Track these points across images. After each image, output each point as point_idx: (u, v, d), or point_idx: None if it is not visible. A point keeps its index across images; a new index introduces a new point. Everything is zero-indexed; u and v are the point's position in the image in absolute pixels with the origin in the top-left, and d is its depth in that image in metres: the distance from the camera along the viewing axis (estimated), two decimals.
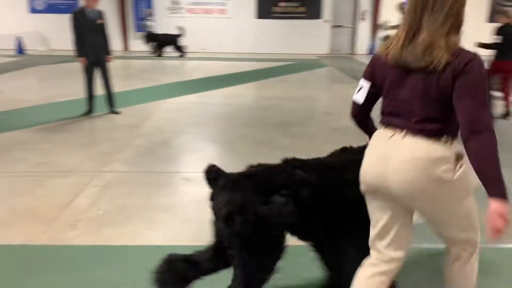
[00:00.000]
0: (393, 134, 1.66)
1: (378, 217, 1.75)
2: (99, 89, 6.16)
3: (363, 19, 16.31)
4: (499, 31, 6.08)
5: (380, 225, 1.74)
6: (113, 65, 6.23)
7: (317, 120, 6.08)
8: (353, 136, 5.12)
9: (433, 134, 1.57)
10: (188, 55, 14.37)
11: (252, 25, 16.29)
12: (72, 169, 4.06)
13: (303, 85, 9.19)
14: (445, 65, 1.51)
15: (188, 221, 3.10)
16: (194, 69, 11.62)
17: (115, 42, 15.80)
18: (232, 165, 4.13)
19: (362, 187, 1.77)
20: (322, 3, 16.16)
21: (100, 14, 5.87)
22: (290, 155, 4.40)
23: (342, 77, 10.49)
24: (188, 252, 2.09)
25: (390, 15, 15.42)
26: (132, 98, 7.41)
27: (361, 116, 1.93)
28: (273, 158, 4.41)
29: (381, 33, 14.59)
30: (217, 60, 13.79)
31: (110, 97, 6.18)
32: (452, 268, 1.78)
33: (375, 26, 16.22)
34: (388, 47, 1.66)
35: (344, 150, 2.23)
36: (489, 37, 6.18)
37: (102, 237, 2.86)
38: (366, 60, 10.48)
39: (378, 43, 15.22)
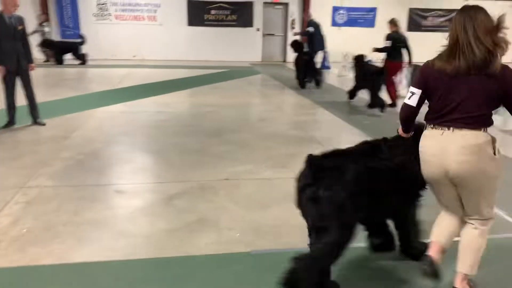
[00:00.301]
0: (443, 132, 2.14)
1: (445, 196, 2.30)
2: (21, 99, 5.78)
3: (292, 28, 16.82)
4: (388, 37, 7.79)
5: (448, 202, 2.31)
6: (37, 74, 5.88)
7: (251, 127, 6.16)
8: (286, 142, 5.29)
9: (477, 126, 2.08)
10: (119, 62, 13.93)
11: (184, 32, 16.15)
12: None
13: (237, 92, 9.26)
14: (500, 70, 2.01)
15: (121, 235, 2.99)
16: (124, 77, 11.28)
17: (38, 50, 15.00)
18: (164, 175, 4.09)
19: (427, 177, 2.27)
20: (253, 12, 16.45)
21: (20, 20, 5.51)
22: (224, 162, 4.46)
23: (274, 84, 10.71)
24: (120, 268, 2.03)
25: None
26: (59, 108, 7.04)
27: (412, 116, 2.32)
28: (207, 166, 4.43)
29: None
30: (148, 67, 13.50)
31: (33, 107, 5.81)
32: (470, 239, 2.25)
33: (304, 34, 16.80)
34: (441, 60, 2.12)
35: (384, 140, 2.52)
36: (383, 43, 7.83)
37: (26, 258, 2.68)
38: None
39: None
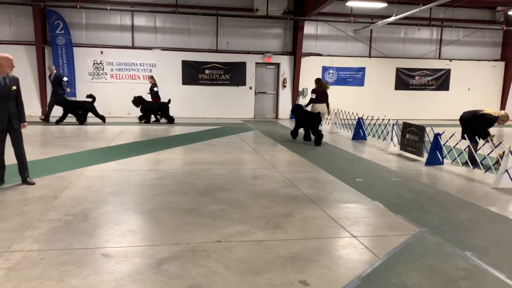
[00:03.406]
0: None
1: None
2: (11, 158, 5.70)
3: (284, 86, 17.27)
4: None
5: None
6: (30, 132, 5.86)
7: (243, 185, 6.08)
8: (279, 201, 5.20)
9: None
10: (112, 120, 14.03)
11: (179, 91, 16.48)
12: None
13: (230, 149, 9.28)
14: None
15: None
16: (118, 134, 11.30)
17: (33, 107, 15.12)
18: (154, 238, 3.94)
19: None
20: (246, 72, 16.93)
21: (15, 81, 5.55)
22: (216, 223, 4.34)
23: (266, 141, 10.77)
24: None
25: (308, 83, 16.58)
26: (49, 166, 6.95)
27: None
28: (199, 227, 4.30)
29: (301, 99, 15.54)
30: (142, 125, 13.58)
31: (22, 166, 5.72)
32: None
33: (296, 93, 17.23)
34: None
35: None
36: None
37: None
38: (289, 124, 11.58)
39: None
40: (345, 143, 10.75)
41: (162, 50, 16.25)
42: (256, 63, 16.99)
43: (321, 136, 10.24)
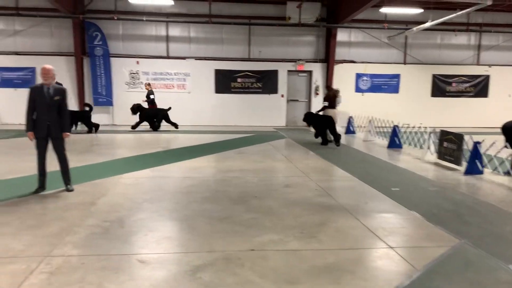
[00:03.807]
0: None
1: None
2: (55, 165, 5.93)
3: (317, 94, 17.17)
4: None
5: None
6: (68, 140, 6.06)
7: (276, 193, 6.06)
8: (313, 210, 5.15)
9: None
10: (145, 128, 14.36)
11: (211, 100, 16.71)
12: (16, 254, 3.74)
13: (262, 157, 9.29)
14: None
15: None
16: (152, 142, 11.55)
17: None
18: (189, 245, 3.98)
19: None
20: (278, 80, 16.95)
21: (59, 91, 5.75)
22: (250, 231, 4.35)
23: (298, 149, 10.72)
24: None
25: (341, 91, 16.40)
26: (87, 173, 7.17)
27: None
28: (233, 235, 4.31)
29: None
30: (176, 133, 13.83)
31: (64, 173, 5.94)
32: None
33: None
34: None
35: None
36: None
37: None
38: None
39: None
40: (380, 151, 10.56)
41: (195, 59, 16.53)
42: (288, 71, 17.01)
43: (339, 136, 11.33)
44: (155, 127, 14.37)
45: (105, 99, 16.00)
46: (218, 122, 16.63)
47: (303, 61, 16.95)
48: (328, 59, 16.85)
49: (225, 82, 16.72)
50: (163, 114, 14.27)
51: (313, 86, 17.23)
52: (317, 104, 17.16)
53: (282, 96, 17.07)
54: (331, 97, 12.15)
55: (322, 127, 11.57)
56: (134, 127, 14.19)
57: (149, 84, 15.02)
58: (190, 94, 16.55)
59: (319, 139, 11.76)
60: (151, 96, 14.70)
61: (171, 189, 6.21)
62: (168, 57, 16.46)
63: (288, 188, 6.40)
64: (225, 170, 7.77)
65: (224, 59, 16.66)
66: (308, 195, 5.94)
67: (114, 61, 16.09)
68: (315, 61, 17.12)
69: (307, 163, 8.56)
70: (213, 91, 16.74)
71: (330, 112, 11.96)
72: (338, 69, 17.03)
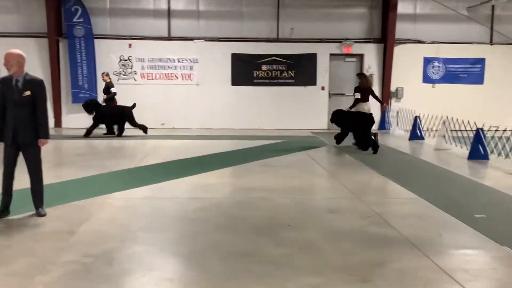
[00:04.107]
0: None
1: None
2: (24, 181, 6.05)
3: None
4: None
5: None
6: (44, 148, 6.16)
7: (316, 221, 6.02)
8: (366, 244, 5.08)
9: None
10: (143, 133, 14.53)
11: (227, 94, 16.81)
12: None
13: (296, 171, 9.26)
14: None
15: None
16: (150, 151, 11.67)
17: None
18: None
19: None
20: (317, 67, 16.93)
21: (30, 84, 5.79)
22: (281, 272, 4.32)
23: (346, 160, 10.64)
24: None
25: (404, 81, 16.25)
26: (65, 192, 7.29)
27: None
28: (257, 277, 4.30)
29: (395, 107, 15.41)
30: (181, 139, 13.96)
31: (36, 193, 6.02)
32: None
33: (386, 94, 16.93)
34: None
35: None
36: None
37: None
38: (380, 137, 11.30)
39: (393, 117, 15.78)
40: (459, 163, 10.39)
41: (206, 40, 16.70)
42: (331, 54, 17.00)
43: (375, 142, 11.72)
44: (120, 130, 14.42)
45: (88, 95, 16.29)
46: (236, 124, 16.72)
47: (351, 41, 16.91)
48: (385, 39, 16.76)
49: (246, 70, 16.82)
50: (128, 114, 14.25)
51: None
52: (372, 100, 17.00)
53: (323, 88, 17.04)
54: (365, 88, 12.63)
55: (357, 128, 12.00)
56: (88, 133, 14.04)
57: (107, 75, 15.17)
58: (199, 87, 16.73)
59: (377, 156, 11.56)
60: (113, 90, 14.81)
61: (173, 214, 6.24)
62: (169, 38, 16.70)
63: (332, 214, 6.35)
64: (245, 188, 7.76)
65: (244, 40, 16.79)
66: (359, 224, 5.87)
67: (99, 44, 16.42)
68: (367, 41, 17.06)
69: (357, 180, 8.47)
70: (229, 82, 16.86)
71: (365, 107, 12.41)
72: (399, 51, 16.91)
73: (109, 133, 14.53)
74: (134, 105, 14.37)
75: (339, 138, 12.40)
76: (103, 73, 15.35)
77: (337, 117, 12.40)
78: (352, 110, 12.42)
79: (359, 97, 12.41)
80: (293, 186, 7.98)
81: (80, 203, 6.72)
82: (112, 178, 8.58)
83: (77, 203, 6.70)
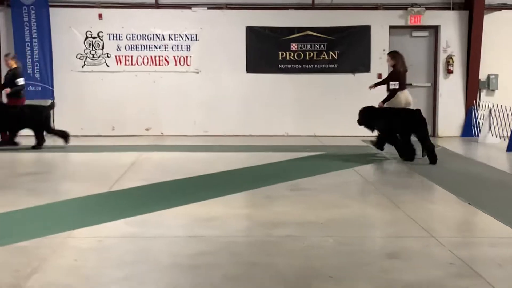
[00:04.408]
0: None
1: None
2: None
3: (449, 72, 16.97)
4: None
5: None
6: None
7: (371, 270, 5.99)
8: None
9: None
10: (120, 141, 14.60)
11: (240, 84, 16.83)
12: None
13: (340, 197, 9.29)
14: None
15: None
16: (129, 168, 11.71)
17: None
18: None
19: None
20: (371, 45, 16.90)
21: None
22: None
23: (413, 181, 10.60)
24: None
25: (498, 65, 16.14)
26: (6, 229, 7.33)
27: None
28: None
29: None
30: (173, 150, 14.05)
31: None
32: None
33: (473, 84, 16.80)
34: None
35: None
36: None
37: None
38: (460, 146, 11.37)
39: (484, 118, 15.69)
40: None
41: (209, 8, 16.78)
42: (391, 27, 17.02)
43: (433, 148, 12.28)
44: (38, 139, 14.28)
45: (40, 87, 16.42)
46: (252, 129, 16.76)
47: (421, 7, 16.85)
48: (471, 3, 16.69)
49: (267, 51, 16.88)
50: (40, 117, 14.15)
51: (442, 57, 17.08)
52: (451, 91, 17.06)
53: (380, 77, 16.98)
54: (403, 72, 13.38)
55: (398, 130, 12.52)
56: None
57: (14, 58, 14.97)
58: (200, 75, 16.80)
59: (459, 177, 11.48)
60: (19, 82, 14.56)
61: (164, 260, 6.24)
62: (157, 6, 16.83)
63: (395, 259, 6.32)
64: (267, 223, 7.75)
65: (265, 7, 16.90)
66: (434, 275, 5.84)
67: (56, 15, 16.59)
68: (444, 6, 17.03)
69: (430, 209, 8.43)
70: (242, 69, 16.91)
71: (402, 98, 13.14)
72: (492, 22, 16.82)
73: (6, 143, 14.39)
74: (52, 105, 14.66)
75: (379, 145, 13.02)
76: (7, 55, 15.12)
77: (366, 114, 12.86)
78: (386, 105, 13.06)
79: (397, 86, 12.92)
80: (336, 219, 7.97)
81: (28, 244, 6.72)
82: (75, 207, 8.61)
83: (24, 245, 6.71)
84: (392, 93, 13.03)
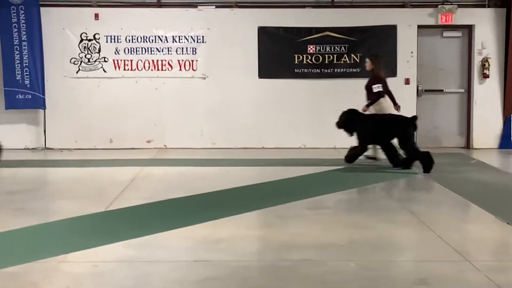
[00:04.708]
0: None
1: None
2: None
3: (485, 76, 16.93)
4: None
5: None
6: None
7: None
8: None
9: None
10: (118, 155, 14.65)
11: (252, 91, 16.85)
12: None
13: (363, 216, 9.29)
14: None
15: None
16: (128, 184, 11.74)
17: None
18: None
19: None
20: (397, 47, 16.89)
21: None
22: None
23: (445, 198, 10.56)
24: None
25: None
26: None
27: None
28: None
29: None
30: (177, 164, 14.09)
31: None
32: None
33: None
34: None
35: None
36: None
37: None
38: (498, 160, 11.33)
39: None
40: None
41: (217, 7, 16.84)
42: (419, 27, 16.98)
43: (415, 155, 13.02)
44: None
45: (30, 95, 16.47)
46: (264, 141, 16.77)
47: (452, 5, 16.85)
48: (508, 0, 16.66)
49: (281, 54, 16.91)
50: None
51: (476, 60, 17.06)
52: (488, 97, 16.87)
53: (408, 82, 16.99)
54: (383, 77, 14.14)
55: (388, 136, 13.30)
56: None
57: None
58: (207, 81, 16.82)
59: (496, 193, 11.46)
60: None
61: (167, 287, 6.26)
62: (160, 4, 16.90)
63: (425, 286, 6.32)
64: (281, 246, 7.75)
65: (279, 6, 16.92)
66: None
67: (47, 15, 16.64)
68: (479, 4, 17.02)
69: (465, 230, 8.42)
70: (254, 73, 16.92)
71: (386, 105, 13.61)
72: None
73: None
74: None
75: (352, 155, 13.70)
76: None
77: (348, 118, 13.34)
78: (368, 111, 13.46)
79: (381, 89, 13.62)
80: (358, 241, 7.96)
81: (17, 269, 6.76)
82: (68, 228, 8.64)
83: (13, 270, 6.75)
84: (376, 96, 13.53)
